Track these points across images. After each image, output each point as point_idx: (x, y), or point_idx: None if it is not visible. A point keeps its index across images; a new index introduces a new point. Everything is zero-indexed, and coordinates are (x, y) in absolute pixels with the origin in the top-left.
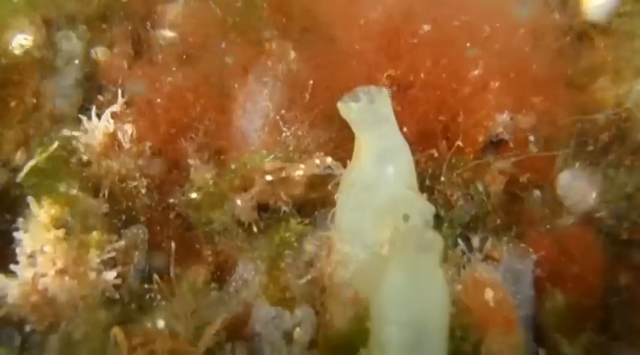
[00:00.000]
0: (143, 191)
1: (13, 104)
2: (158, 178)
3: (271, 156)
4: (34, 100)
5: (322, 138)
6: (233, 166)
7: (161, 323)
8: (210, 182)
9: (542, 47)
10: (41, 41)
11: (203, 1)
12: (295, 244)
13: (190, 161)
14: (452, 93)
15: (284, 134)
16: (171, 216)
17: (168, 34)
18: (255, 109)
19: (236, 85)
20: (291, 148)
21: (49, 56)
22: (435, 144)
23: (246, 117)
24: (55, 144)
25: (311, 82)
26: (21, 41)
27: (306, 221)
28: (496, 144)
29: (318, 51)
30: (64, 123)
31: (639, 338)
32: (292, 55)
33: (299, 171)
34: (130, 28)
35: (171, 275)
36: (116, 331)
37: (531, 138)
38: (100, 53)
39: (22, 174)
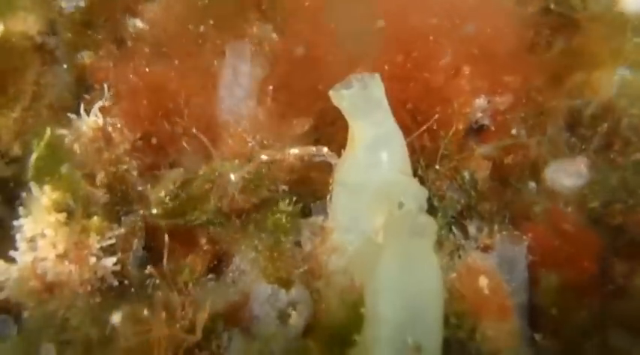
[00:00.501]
0: (135, 173)
1: (12, 92)
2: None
3: (244, 169)
4: (35, 89)
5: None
6: (201, 172)
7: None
8: (167, 199)
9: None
10: (43, 27)
11: None
12: (288, 226)
13: (139, 187)
14: (425, 84)
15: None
16: None
17: (139, 24)
18: (237, 90)
19: (215, 62)
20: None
21: (49, 43)
22: (417, 136)
23: (228, 98)
24: (49, 130)
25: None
26: None
27: (297, 204)
28: (477, 131)
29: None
30: (63, 113)
31: (633, 323)
32: (274, 36)
33: (294, 151)
34: (112, 28)
35: (164, 267)
36: (115, 318)
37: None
38: (86, 57)
39: (30, 173)
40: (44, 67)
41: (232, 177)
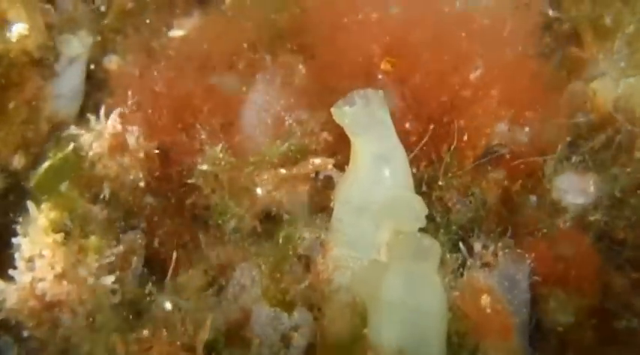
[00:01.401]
0: (142, 184)
1: (12, 106)
2: (161, 175)
3: (285, 145)
4: (34, 103)
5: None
6: (252, 159)
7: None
8: (221, 155)
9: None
10: (42, 42)
11: (218, 14)
12: (299, 241)
13: (203, 135)
14: (453, 94)
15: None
16: (175, 214)
17: (178, 32)
18: (262, 112)
19: (244, 88)
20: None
21: (49, 58)
22: (436, 146)
23: (252, 119)
24: (72, 146)
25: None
26: (20, 30)
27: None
28: (491, 155)
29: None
30: (62, 128)
31: (636, 340)
32: (302, 69)
33: (317, 160)
34: (144, 37)
35: (167, 281)
36: (115, 338)
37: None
38: (113, 61)
39: (36, 176)
40: (43, 81)
41: (259, 190)
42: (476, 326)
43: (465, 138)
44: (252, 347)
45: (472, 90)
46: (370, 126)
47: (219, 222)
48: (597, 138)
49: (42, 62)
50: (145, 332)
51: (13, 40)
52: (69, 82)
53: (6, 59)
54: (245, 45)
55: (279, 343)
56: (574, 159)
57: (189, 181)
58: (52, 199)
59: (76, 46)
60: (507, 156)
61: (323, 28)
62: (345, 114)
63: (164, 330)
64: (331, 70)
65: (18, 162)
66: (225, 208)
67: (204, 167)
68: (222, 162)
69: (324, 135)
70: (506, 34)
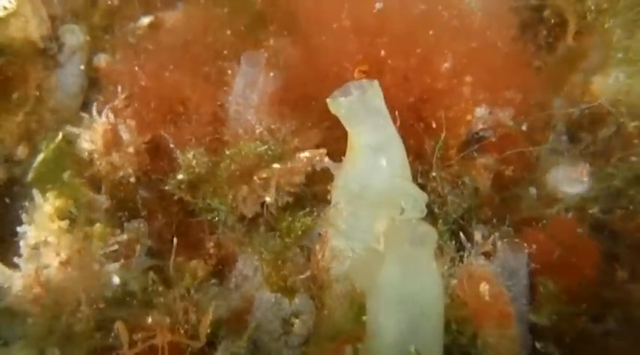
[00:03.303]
0: (132, 180)
1: (15, 96)
2: (154, 169)
3: (264, 147)
4: (37, 93)
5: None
6: (228, 152)
7: None
8: (194, 162)
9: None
10: (45, 32)
11: (202, 6)
12: (301, 232)
13: (172, 145)
14: (427, 88)
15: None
16: (170, 206)
17: (145, 20)
18: (248, 99)
19: (229, 72)
20: (282, 139)
21: (52, 48)
22: (418, 140)
23: (239, 105)
24: (60, 135)
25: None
26: (4, 4)
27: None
28: (478, 141)
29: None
30: (65, 117)
31: (633, 330)
32: (289, 49)
33: (305, 154)
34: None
35: (171, 271)
36: (119, 325)
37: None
38: (102, 60)
39: (30, 173)
40: (47, 71)
41: (268, 198)
42: (475, 314)
43: (446, 128)
44: (249, 330)
45: (445, 80)
46: (366, 116)
47: (209, 217)
48: (594, 129)
49: (46, 52)
50: (149, 320)
51: (1, 14)
52: (72, 72)
53: (10, 50)
54: (228, 32)
55: (279, 329)
56: (571, 149)
57: (166, 188)
58: (56, 188)
59: (79, 35)
60: (494, 140)
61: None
62: (340, 104)
63: (167, 318)
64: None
65: (22, 152)
66: (209, 207)
67: (180, 176)
68: (197, 168)
69: (295, 142)
70: (474, 22)
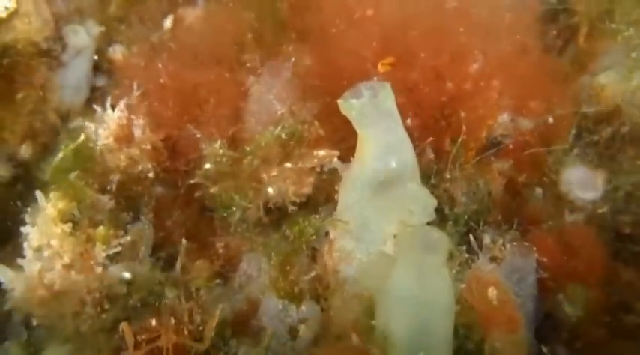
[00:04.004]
0: (151, 175)
1: (20, 96)
2: (170, 166)
3: (278, 128)
4: (41, 93)
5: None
6: (248, 148)
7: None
8: (221, 151)
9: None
10: (49, 33)
11: (222, 4)
12: (313, 237)
13: (198, 134)
14: (455, 87)
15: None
16: (184, 204)
17: (167, 23)
18: (266, 104)
19: (251, 77)
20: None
21: (56, 49)
22: (438, 139)
23: (257, 111)
24: (83, 136)
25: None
26: (5, 4)
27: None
28: (496, 146)
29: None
30: (69, 117)
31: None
32: (307, 58)
33: (321, 152)
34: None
35: (177, 270)
36: (124, 326)
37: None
38: (118, 51)
39: (51, 168)
40: (50, 72)
41: (270, 190)
42: (482, 319)
43: (467, 129)
44: (261, 337)
45: (472, 82)
46: (377, 118)
47: (224, 214)
48: (604, 131)
49: (49, 53)
50: (153, 321)
51: (2, 15)
52: (76, 73)
53: (14, 50)
54: (249, 36)
55: (286, 334)
56: (581, 152)
57: (192, 182)
58: (60, 189)
59: (83, 36)
60: (511, 147)
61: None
62: (352, 106)
63: (172, 319)
64: (329, 67)
65: (25, 151)
66: (229, 201)
67: (207, 165)
68: (223, 158)
69: (316, 124)
70: (505, 25)
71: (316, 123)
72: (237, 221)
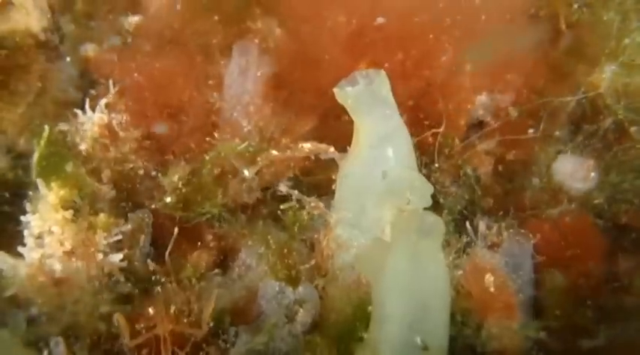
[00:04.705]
0: (141, 172)
1: (18, 88)
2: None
3: (244, 145)
4: (40, 85)
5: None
6: (207, 157)
7: None
8: (180, 184)
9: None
10: (46, 24)
11: None
12: (306, 223)
13: (153, 173)
14: (427, 80)
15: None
16: None
17: (134, 19)
18: (242, 88)
19: (222, 62)
20: (268, 134)
21: (53, 39)
22: (420, 133)
23: (233, 96)
24: (47, 128)
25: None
26: None
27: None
28: (479, 127)
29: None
30: (68, 108)
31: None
32: (277, 31)
33: (307, 145)
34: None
35: (167, 260)
36: (118, 317)
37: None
38: (90, 50)
39: (34, 172)
40: (48, 63)
41: (246, 172)
42: (480, 305)
43: (447, 118)
44: (268, 326)
45: (444, 70)
46: (373, 106)
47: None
48: (599, 121)
49: (47, 44)
50: (150, 310)
51: None
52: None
53: (12, 41)
54: (216, 17)
55: (283, 318)
56: (575, 142)
57: (153, 206)
58: (60, 178)
59: None
60: (494, 125)
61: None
62: (347, 94)
63: (170, 307)
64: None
65: (24, 142)
66: (201, 212)
67: (168, 199)
68: (183, 189)
69: (284, 141)
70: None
71: (283, 140)
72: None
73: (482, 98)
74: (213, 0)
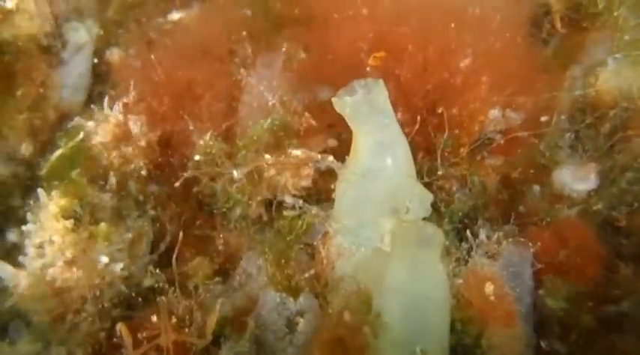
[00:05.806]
0: (143, 172)
1: (19, 93)
2: (163, 162)
3: (268, 120)
4: (41, 91)
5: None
6: (241, 143)
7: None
8: (211, 143)
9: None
10: (49, 30)
11: (219, 6)
12: (303, 230)
13: (191, 127)
14: (444, 83)
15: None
16: (181, 201)
17: (175, 15)
18: (259, 96)
19: (242, 70)
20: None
21: (56, 46)
22: (429, 136)
23: (251, 105)
24: (81, 135)
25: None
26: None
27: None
28: (488, 143)
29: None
30: (69, 115)
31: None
32: (302, 55)
33: (296, 152)
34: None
35: (173, 266)
36: (121, 327)
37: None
38: (115, 54)
39: (48, 165)
40: (50, 69)
41: (235, 173)
42: (479, 314)
43: (458, 126)
44: (249, 328)
45: (462, 78)
46: (371, 115)
47: (224, 209)
48: (599, 124)
49: (49, 50)
50: (154, 318)
51: (9, 5)
52: (75, 70)
53: (13, 46)
54: (244, 33)
55: (284, 328)
56: (575, 145)
57: (185, 175)
58: (62, 186)
59: (83, 33)
60: (502, 142)
61: (317, 18)
62: (346, 103)
63: (172, 317)
64: (323, 62)
65: (26, 149)
66: (229, 195)
67: (197, 157)
68: (213, 150)
69: (307, 115)
70: (496, 21)
71: (307, 113)
72: (237, 217)
73: (495, 113)
74: (246, 17)
